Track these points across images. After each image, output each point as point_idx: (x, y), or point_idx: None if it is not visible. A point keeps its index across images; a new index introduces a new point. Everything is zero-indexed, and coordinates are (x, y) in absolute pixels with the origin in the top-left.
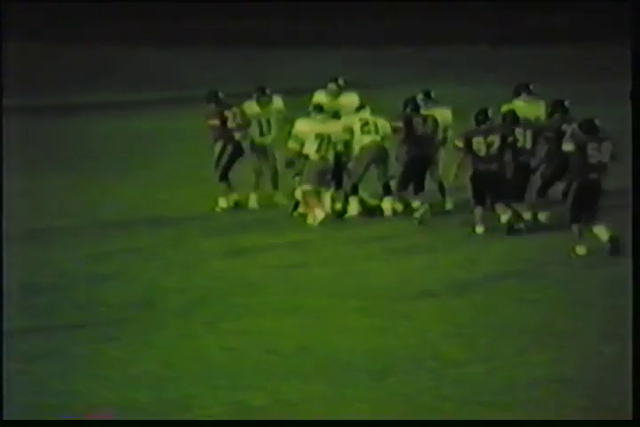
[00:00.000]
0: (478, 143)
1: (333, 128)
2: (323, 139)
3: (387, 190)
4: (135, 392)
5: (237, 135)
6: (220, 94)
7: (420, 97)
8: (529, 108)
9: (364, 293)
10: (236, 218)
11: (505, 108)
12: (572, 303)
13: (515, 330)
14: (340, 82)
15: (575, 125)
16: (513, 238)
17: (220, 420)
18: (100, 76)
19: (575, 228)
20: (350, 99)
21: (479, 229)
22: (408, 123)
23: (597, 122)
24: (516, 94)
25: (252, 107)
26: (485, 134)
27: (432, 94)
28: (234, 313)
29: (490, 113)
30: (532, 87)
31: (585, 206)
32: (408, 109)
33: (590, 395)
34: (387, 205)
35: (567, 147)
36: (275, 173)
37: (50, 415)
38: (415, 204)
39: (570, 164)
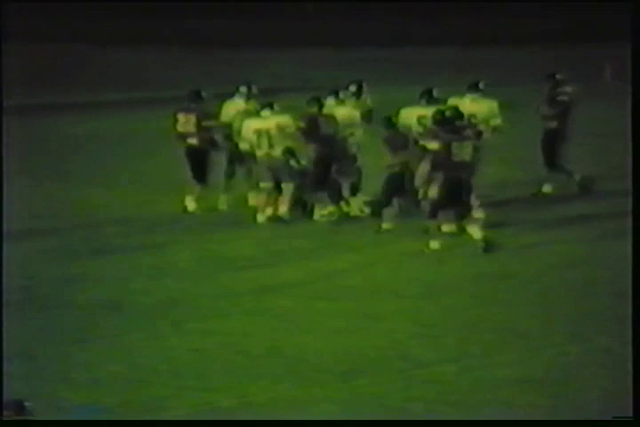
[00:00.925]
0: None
1: (271, 124)
2: (261, 134)
3: (353, 191)
4: (102, 394)
5: (190, 140)
6: (203, 94)
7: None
8: (475, 105)
9: (333, 294)
10: (205, 219)
11: (449, 103)
12: (539, 304)
13: (482, 330)
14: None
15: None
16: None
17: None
18: (67, 77)
19: (431, 223)
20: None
21: (434, 245)
22: (312, 122)
23: (460, 123)
24: (469, 91)
25: (235, 106)
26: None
27: (434, 93)
28: (202, 314)
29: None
30: (481, 86)
31: (451, 204)
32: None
33: (556, 394)
34: (355, 205)
35: (431, 145)
36: (250, 174)
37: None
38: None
39: (435, 162)
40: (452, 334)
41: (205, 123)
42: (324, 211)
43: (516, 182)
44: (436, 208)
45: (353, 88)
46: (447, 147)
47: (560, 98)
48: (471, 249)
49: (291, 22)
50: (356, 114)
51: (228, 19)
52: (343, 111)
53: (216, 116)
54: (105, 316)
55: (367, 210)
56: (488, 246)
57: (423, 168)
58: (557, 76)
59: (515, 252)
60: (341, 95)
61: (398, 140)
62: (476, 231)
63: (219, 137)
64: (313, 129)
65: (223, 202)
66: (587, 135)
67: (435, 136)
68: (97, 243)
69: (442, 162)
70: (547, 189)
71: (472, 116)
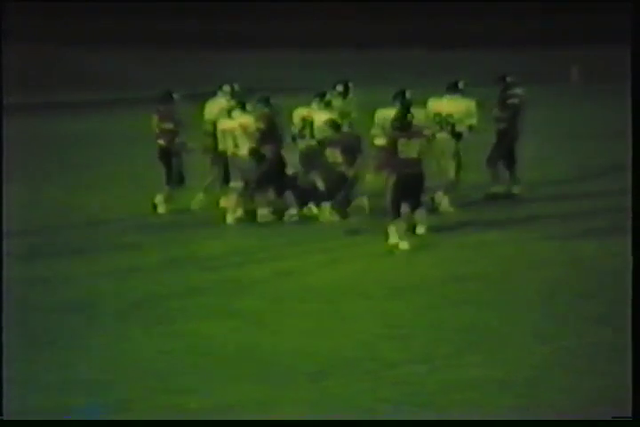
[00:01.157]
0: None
1: (236, 124)
2: (226, 134)
3: (326, 197)
4: (70, 397)
5: (159, 141)
6: (175, 95)
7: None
8: (453, 105)
9: (302, 295)
10: (175, 220)
11: (430, 103)
12: (506, 304)
13: (451, 331)
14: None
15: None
16: (449, 241)
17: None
18: (38, 77)
19: (396, 224)
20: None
21: (404, 246)
22: (269, 123)
23: (409, 118)
24: (447, 92)
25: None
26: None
27: (407, 94)
28: (170, 316)
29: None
30: (461, 86)
31: (404, 200)
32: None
33: (524, 394)
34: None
35: (379, 142)
36: (226, 176)
37: None
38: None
39: (381, 158)
40: (421, 334)
41: (165, 125)
42: (292, 212)
43: (487, 182)
44: (395, 207)
45: (340, 88)
46: (393, 143)
47: (510, 101)
48: (440, 250)
49: (270, 23)
50: (338, 118)
51: (208, 20)
52: (324, 116)
53: (189, 115)
54: (73, 317)
55: (336, 217)
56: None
57: (370, 165)
58: (508, 79)
59: (482, 252)
60: (328, 95)
61: (347, 142)
62: (422, 231)
63: (181, 138)
64: (270, 129)
65: (197, 202)
66: (552, 136)
67: (384, 134)
68: (65, 244)
69: (388, 158)
70: (516, 189)
71: (449, 115)
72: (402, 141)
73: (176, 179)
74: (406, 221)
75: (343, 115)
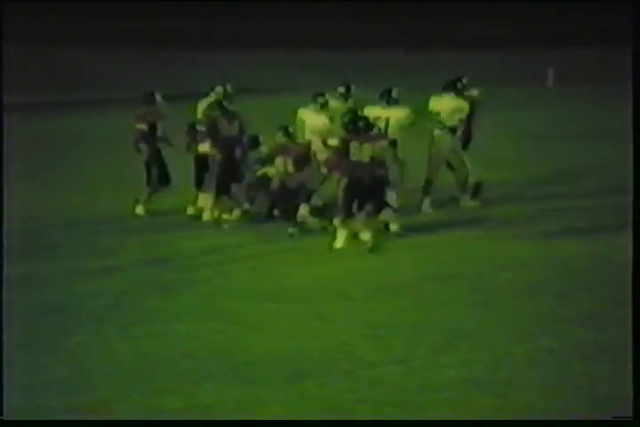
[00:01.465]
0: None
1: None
2: (195, 135)
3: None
4: (46, 398)
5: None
6: (158, 96)
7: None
8: (450, 103)
9: (280, 295)
10: (153, 221)
11: (431, 102)
12: (484, 305)
13: (429, 332)
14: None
15: None
16: (428, 241)
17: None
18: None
19: (346, 225)
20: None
21: (366, 238)
22: (212, 124)
23: (361, 123)
24: (445, 90)
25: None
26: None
27: (393, 93)
28: (148, 317)
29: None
30: (459, 85)
31: (364, 202)
32: (216, 111)
33: (502, 394)
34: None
35: (332, 143)
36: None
37: None
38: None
39: (333, 160)
40: (399, 335)
41: (137, 125)
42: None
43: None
44: (345, 209)
45: (341, 90)
46: (345, 146)
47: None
48: (418, 251)
49: (256, 24)
50: (327, 122)
51: (196, 20)
52: (317, 119)
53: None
54: (49, 318)
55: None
56: (372, 248)
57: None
58: (463, 80)
59: (460, 253)
60: (327, 96)
61: (298, 151)
62: (366, 235)
63: (163, 139)
64: (213, 131)
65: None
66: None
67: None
68: (41, 244)
69: (340, 160)
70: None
71: (437, 114)
72: (354, 144)
73: (161, 180)
74: (364, 223)
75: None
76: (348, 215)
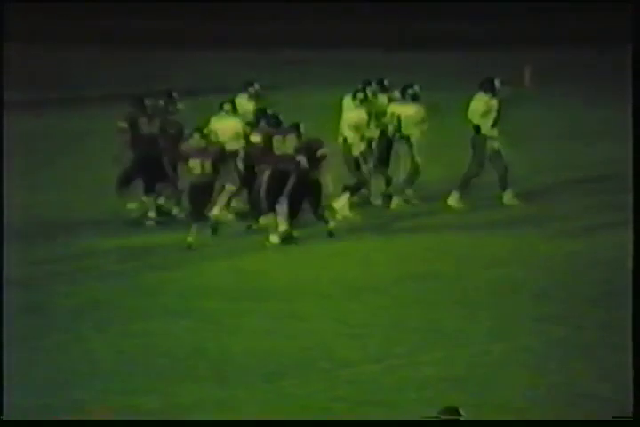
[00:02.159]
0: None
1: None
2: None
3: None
4: (23, 398)
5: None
6: (146, 102)
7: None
8: (480, 101)
9: (257, 294)
10: (130, 220)
11: (473, 102)
12: (461, 303)
13: (406, 330)
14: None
15: None
16: (405, 241)
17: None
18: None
19: (270, 216)
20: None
21: (274, 239)
22: (133, 123)
23: (281, 116)
24: (482, 90)
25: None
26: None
27: (410, 90)
28: (125, 316)
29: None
30: (497, 83)
31: (278, 195)
32: (134, 110)
33: (478, 392)
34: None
35: (254, 138)
36: None
37: None
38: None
39: (256, 154)
40: (377, 334)
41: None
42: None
43: (441, 183)
44: (270, 202)
45: (374, 86)
46: (269, 140)
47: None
48: (395, 250)
49: (213, 23)
50: (364, 116)
51: (151, 19)
52: (353, 114)
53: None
54: (27, 318)
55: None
56: (285, 239)
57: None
58: (496, 81)
59: (438, 252)
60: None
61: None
62: (282, 222)
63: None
64: (134, 130)
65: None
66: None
67: (259, 131)
68: (18, 244)
69: (263, 154)
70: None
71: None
72: (277, 138)
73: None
74: (284, 218)
75: (377, 115)
76: (270, 208)
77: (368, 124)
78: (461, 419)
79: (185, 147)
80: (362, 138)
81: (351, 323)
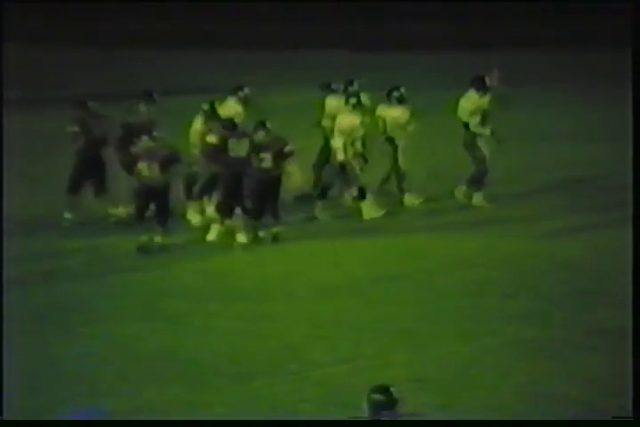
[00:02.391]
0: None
1: None
2: None
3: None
4: None
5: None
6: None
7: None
8: (470, 99)
9: (226, 295)
10: (94, 222)
11: (463, 100)
12: (429, 304)
13: (375, 331)
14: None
15: None
16: (376, 242)
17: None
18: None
19: (233, 217)
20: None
21: (242, 239)
22: (82, 125)
23: (237, 120)
24: (474, 88)
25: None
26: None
27: (395, 93)
28: (92, 318)
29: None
30: (487, 81)
31: (234, 197)
32: (80, 112)
33: (448, 393)
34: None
35: (210, 139)
36: None
37: None
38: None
39: (211, 156)
40: (345, 335)
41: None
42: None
43: (426, 185)
44: (229, 203)
45: (397, 93)
46: (224, 142)
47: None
48: (364, 251)
49: (188, 22)
50: (356, 122)
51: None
52: (346, 119)
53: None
54: None
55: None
56: (245, 245)
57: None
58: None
59: (406, 253)
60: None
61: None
62: (216, 227)
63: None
64: (83, 130)
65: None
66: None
67: (215, 132)
68: None
69: (218, 156)
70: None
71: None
72: (232, 140)
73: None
74: (242, 222)
75: (407, 124)
76: (225, 210)
77: (359, 129)
78: (395, 397)
79: (135, 149)
80: (352, 142)
81: (320, 324)
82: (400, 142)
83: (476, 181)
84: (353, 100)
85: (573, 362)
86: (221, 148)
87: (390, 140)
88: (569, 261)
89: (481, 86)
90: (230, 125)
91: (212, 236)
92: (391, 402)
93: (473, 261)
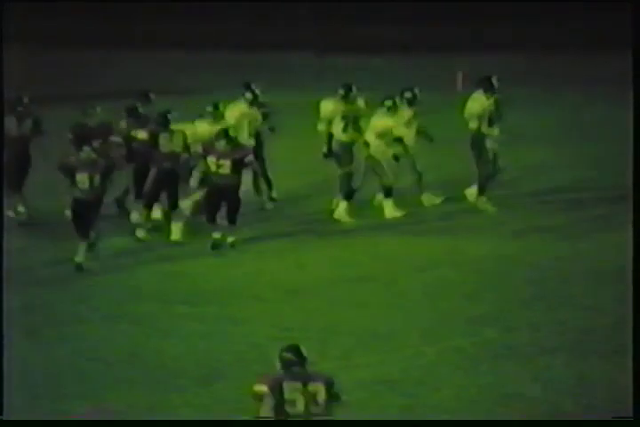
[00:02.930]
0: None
1: None
2: None
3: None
4: None
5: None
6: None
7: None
8: (477, 100)
9: (192, 298)
10: (60, 224)
11: (470, 101)
12: (395, 306)
13: (341, 333)
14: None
15: None
16: (340, 244)
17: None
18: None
19: (142, 212)
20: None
21: (140, 233)
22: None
23: (170, 115)
24: (482, 89)
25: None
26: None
27: (387, 102)
28: (57, 320)
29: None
30: (494, 82)
31: (163, 192)
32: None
33: (412, 394)
34: None
35: (141, 135)
36: None
37: None
38: None
39: (141, 152)
40: (312, 337)
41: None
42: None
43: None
44: (150, 198)
45: (408, 95)
46: (154, 137)
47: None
48: (329, 252)
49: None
50: (389, 124)
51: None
52: (380, 121)
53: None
54: None
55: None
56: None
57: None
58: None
59: (371, 254)
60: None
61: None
62: (177, 226)
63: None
64: (79, 138)
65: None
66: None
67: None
68: None
69: (148, 152)
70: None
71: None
72: (163, 136)
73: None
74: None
75: (409, 123)
76: (149, 204)
77: (394, 130)
78: (304, 355)
79: (71, 159)
80: (387, 144)
81: (286, 326)
82: (409, 143)
83: (483, 183)
84: (388, 103)
85: (536, 363)
86: (152, 143)
87: (399, 141)
88: (532, 262)
89: (488, 87)
90: (162, 121)
91: (140, 233)
92: (301, 360)
93: (434, 262)
